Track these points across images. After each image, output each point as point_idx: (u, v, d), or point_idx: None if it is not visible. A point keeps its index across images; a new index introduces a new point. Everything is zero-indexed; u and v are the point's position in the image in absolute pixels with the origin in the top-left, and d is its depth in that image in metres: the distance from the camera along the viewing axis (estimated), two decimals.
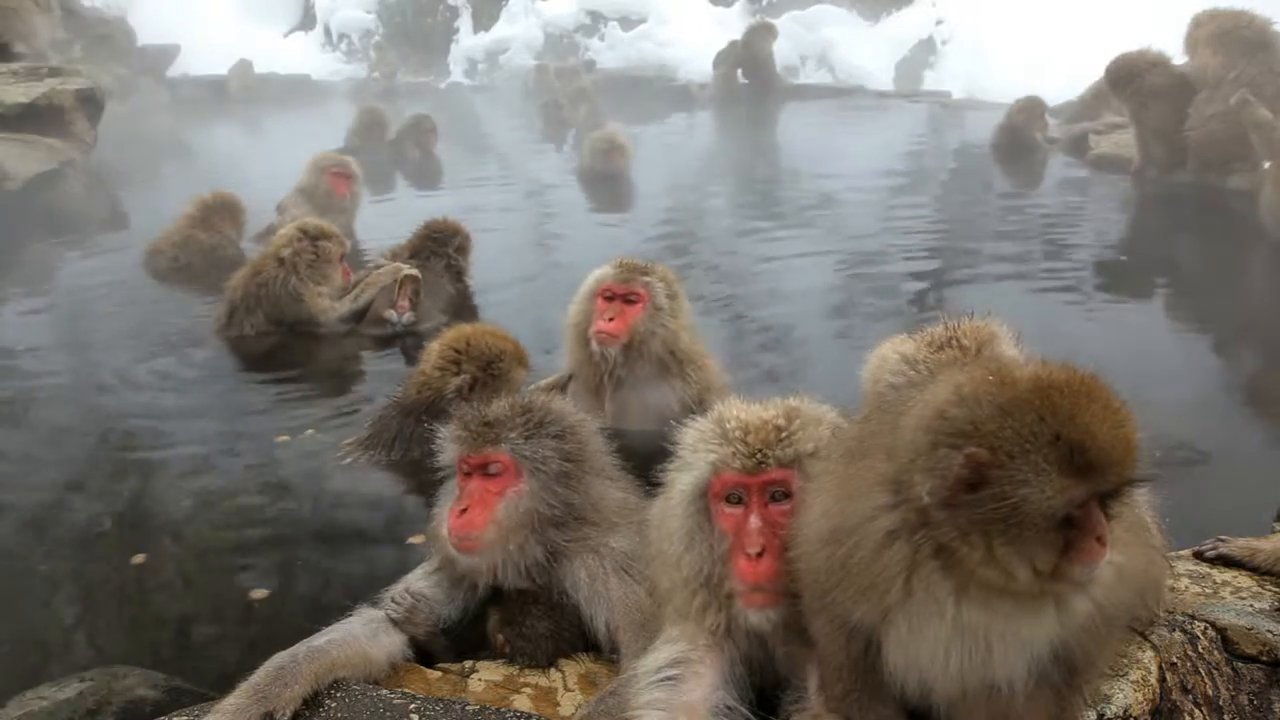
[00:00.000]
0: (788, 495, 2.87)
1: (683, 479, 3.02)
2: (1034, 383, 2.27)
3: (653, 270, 5.29)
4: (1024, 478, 2.17)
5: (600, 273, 5.29)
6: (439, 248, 8.14)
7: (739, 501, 2.90)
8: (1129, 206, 11.57)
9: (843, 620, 2.55)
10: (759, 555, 2.81)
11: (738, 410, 3.04)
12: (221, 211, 9.60)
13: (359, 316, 7.65)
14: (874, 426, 2.67)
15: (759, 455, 2.87)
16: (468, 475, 3.40)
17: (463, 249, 8.28)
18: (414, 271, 7.60)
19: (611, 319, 5.10)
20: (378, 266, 7.90)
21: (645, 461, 3.54)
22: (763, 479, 2.87)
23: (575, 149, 15.44)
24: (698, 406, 4.92)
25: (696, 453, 3.01)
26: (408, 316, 7.51)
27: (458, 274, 8.26)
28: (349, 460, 5.38)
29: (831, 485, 2.62)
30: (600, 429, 3.81)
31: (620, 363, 5.17)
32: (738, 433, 2.94)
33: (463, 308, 8.05)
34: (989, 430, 2.21)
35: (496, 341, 5.46)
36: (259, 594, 4.26)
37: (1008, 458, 2.18)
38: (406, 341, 7.30)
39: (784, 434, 2.92)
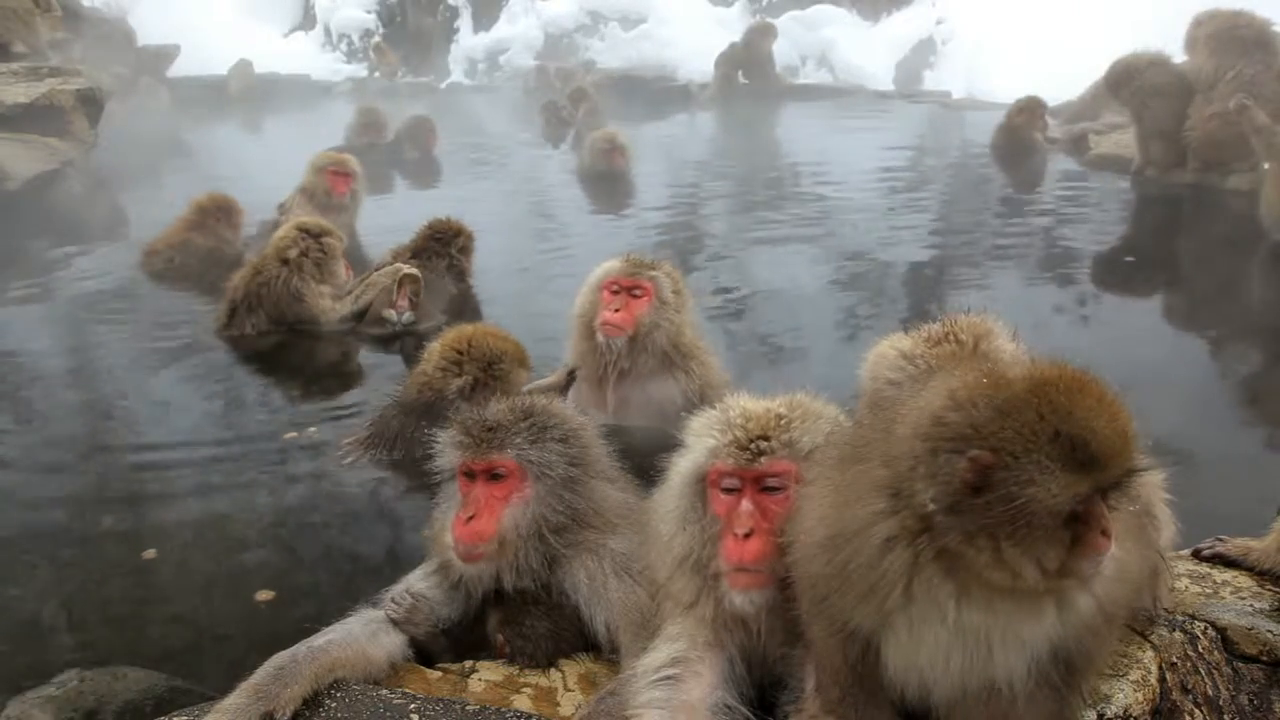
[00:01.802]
0: (783, 486, 2.89)
1: (682, 463, 3.07)
2: (1029, 381, 2.27)
3: (659, 265, 5.40)
4: (1028, 476, 2.17)
5: (607, 266, 5.38)
6: (441, 248, 8.17)
7: (734, 489, 2.94)
8: (1129, 206, 11.57)
9: (841, 625, 2.55)
10: (747, 536, 2.84)
11: (742, 401, 3.10)
12: (217, 213, 9.59)
13: (360, 317, 7.67)
14: (867, 432, 2.67)
15: (755, 446, 2.91)
16: (470, 481, 3.38)
17: (465, 249, 8.31)
18: (413, 271, 7.61)
19: (617, 310, 5.18)
20: (381, 267, 7.91)
21: (646, 456, 3.55)
22: (756, 472, 2.90)
23: (575, 149, 15.44)
24: (699, 401, 4.99)
25: (698, 438, 3.05)
26: (407, 316, 7.52)
27: (460, 274, 8.29)
28: (350, 459, 5.39)
29: (827, 491, 2.61)
30: (601, 425, 3.82)
31: (624, 355, 5.24)
32: (739, 419, 2.98)
33: (465, 308, 8.07)
34: (989, 432, 2.21)
35: (498, 342, 5.48)
36: (264, 595, 4.26)
37: (1011, 458, 2.18)
38: (406, 341, 7.30)
39: (784, 420, 2.96)
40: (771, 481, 2.90)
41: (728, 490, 2.94)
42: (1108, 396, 2.27)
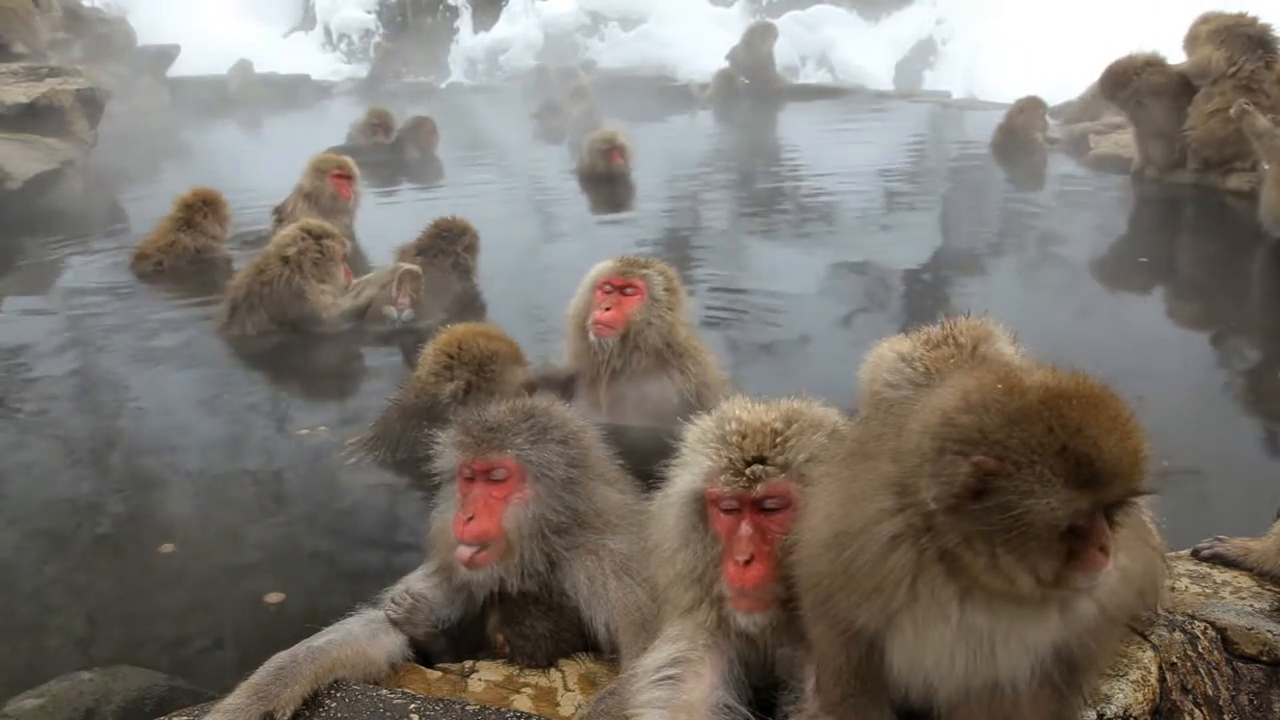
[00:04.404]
0: (782, 506, 2.88)
1: (681, 479, 3.05)
2: (1043, 392, 2.25)
3: (651, 264, 5.40)
4: (1029, 488, 2.16)
5: (601, 266, 5.39)
6: (447, 246, 8.17)
7: (734, 509, 2.93)
8: (1129, 206, 11.58)
9: (845, 625, 2.54)
10: (748, 562, 2.84)
11: (739, 410, 3.06)
12: (203, 208, 9.54)
13: (360, 313, 7.68)
14: (877, 429, 2.66)
15: (752, 472, 2.89)
16: (470, 481, 3.38)
17: (471, 248, 8.31)
18: (413, 268, 7.61)
19: (608, 310, 5.18)
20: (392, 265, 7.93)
21: (643, 457, 3.54)
22: (754, 498, 2.89)
23: (571, 148, 15.46)
24: (696, 400, 5.01)
25: (695, 454, 3.03)
26: (407, 313, 7.52)
27: (465, 272, 8.29)
28: (353, 460, 5.39)
29: (833, 489, 2.60)
30: (599, 426, 3.82)
31: (616, 354, 5.23)
32: (735, 437, 2.96)
33: (469, 306, 8.08)
34: (997, 439, 2.20)
35: (489, 343, 5.45)
36: (274, 597, 4.26)
37: (1014, 467, 2.17)
38: (407, 339, 7.29)
39: (780, 438, 2.94)
40: (770, 503, 2.89)
41: (727, 510, 2.93)
42: (1123, 414, 2.25)
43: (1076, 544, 2.21)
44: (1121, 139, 13.26)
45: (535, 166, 15.95)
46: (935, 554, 2.32)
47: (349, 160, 10.19)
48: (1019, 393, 2.26)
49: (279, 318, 7.59)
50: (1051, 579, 2.22)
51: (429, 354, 5.49)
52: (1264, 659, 3.18)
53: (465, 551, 3.30)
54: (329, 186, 9.78)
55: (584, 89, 19.31)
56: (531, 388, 5.21)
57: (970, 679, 2.45)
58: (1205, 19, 11.24)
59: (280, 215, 9.71)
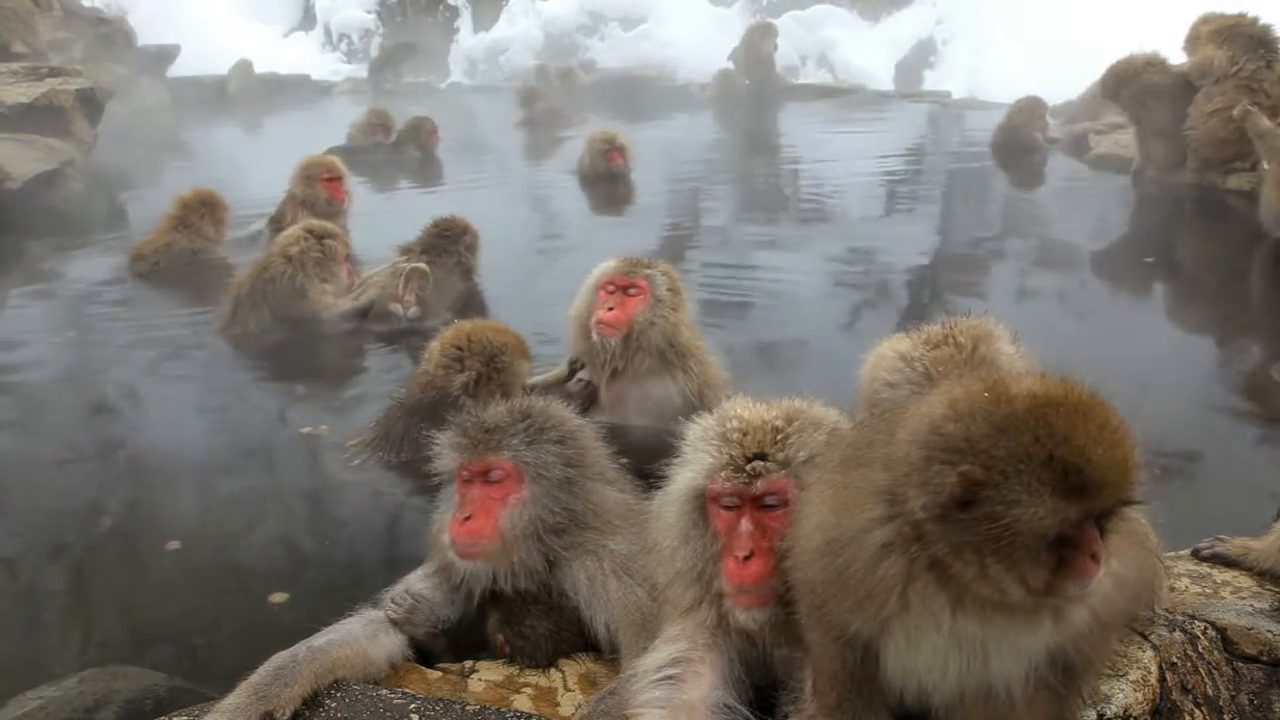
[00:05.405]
0: (782, 503, 2.89)
1: (682, 476, 3.06)
2: (1030, 400, 2.23)
3: (654, 265, 5.41)
4: (1017, 498, 2.14)
5: (604, 266, 5.41)
6: (449, 245, 8.17)
7: (733, 506, 2.93)
8: (1129, 206, 11.57)
9: (840, 631, 2.54)
10: (747, 558, 2.85)
11: (740, 409, 3.07)
12: (201, 209, 9.52)
13: (363, 313, 7.67)
14: (870, 435, 2.65)
15: (752, 468, 2.89)
16: (468, 482, 3.38)
17: (472, 247, 8.32)
18: (422, 265, 7.60)
19: (611, 309, 5.19)
20: (394, 263, 7.92)
21: (644, 456, 3.54)
22: (754, 494, 2.90)
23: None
24: (698, 401, 5.02)
25: (696, 451, 3.04)
26: (413, 311, 7.50)
27: (467, 271, 8.29)
28: (356, 461, 5.38)
29: (827, 496, 2.60)
30: (600, 426, 3.82)
31: (619, 354, 5.24)
32: (736, 434, 2.97)
33: (471, 305, 8.07)
34: (983, 448, 2.19)
35: (497, 336, 5.50)
36: (278, 598, 4.26)
37: (1001, 477, 2.16)
38: (411, 338, 7.28)
39: (781, 435, 2.95)
40: (770, 500, 2.90)
41: (727, 507, 2.94)
42: (1111, 422, 2.23)
43: (1067, 552, 2.19)
44: (1121, 139, 13.26)
45: (535, 166, 15.94)
46: (926, 563, 2.31)
47: (335, 160, 10.06)
48: (1006, 401, 2.25)
49: (281, 316, 7.59)
50: (1042, 587, 2.21)
51: (435, 348, 5.51)
52: (1264, 659, 3.18)
53: (460, 546, 3.30)
54: (322, 192, 9.66)
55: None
56: (530, 391, 5.21)
57: (964, 684, 2.45)
58: (1206, 19, 11.25)
59: (279, 225, 9.62)
